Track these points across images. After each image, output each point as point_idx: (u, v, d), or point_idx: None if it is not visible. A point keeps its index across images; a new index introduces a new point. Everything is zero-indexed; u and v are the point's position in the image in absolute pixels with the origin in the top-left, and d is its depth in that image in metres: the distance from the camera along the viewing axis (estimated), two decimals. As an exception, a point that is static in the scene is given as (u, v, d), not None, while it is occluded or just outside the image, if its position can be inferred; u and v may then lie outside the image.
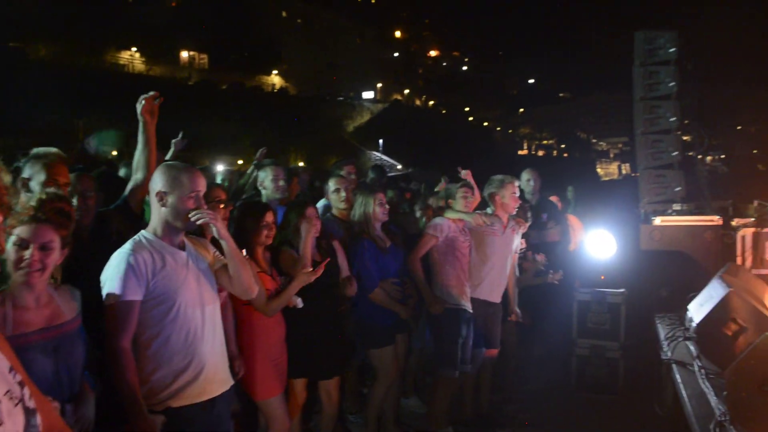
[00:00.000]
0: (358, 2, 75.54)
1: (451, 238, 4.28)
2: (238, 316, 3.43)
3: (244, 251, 3.09)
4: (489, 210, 4.57)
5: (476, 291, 4.42)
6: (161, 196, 2.55)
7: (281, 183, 4.44)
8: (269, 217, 3.53)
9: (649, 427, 4.59)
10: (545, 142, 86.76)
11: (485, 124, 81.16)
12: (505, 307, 4.75)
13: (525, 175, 5.95)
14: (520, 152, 76.41)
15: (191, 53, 54.75)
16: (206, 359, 2.59)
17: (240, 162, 31.38)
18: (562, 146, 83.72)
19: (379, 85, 70.28)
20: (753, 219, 5.75)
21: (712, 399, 3.35)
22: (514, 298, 4.73)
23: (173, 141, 5.23)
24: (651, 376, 4.72)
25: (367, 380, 5.05)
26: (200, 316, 2.59)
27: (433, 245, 4.30)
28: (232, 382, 2.78)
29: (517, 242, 4.71)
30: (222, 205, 3.37)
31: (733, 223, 5.80)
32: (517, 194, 4.59)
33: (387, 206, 4.27)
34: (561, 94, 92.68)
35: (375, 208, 4.15)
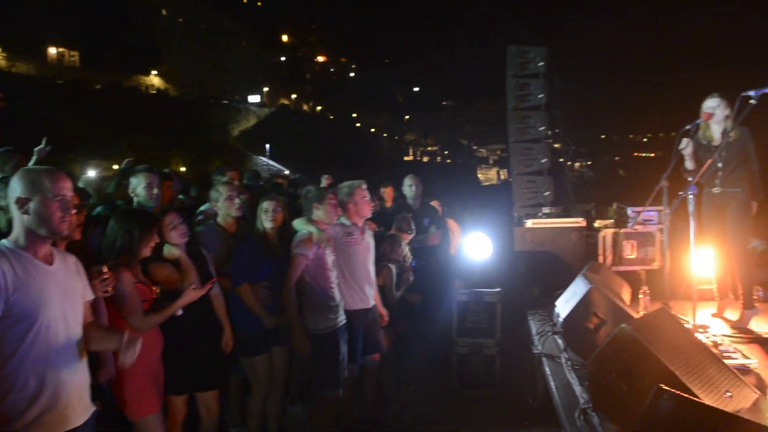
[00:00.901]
0: (244, 4, 73.99)
1: (319, 255, 4.10)
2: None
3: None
4: (344, 219, 4.40)
5: (350, 302, 4.35)
6: (22, 203, 2.33)
7: (155, 191, 4.24)
8: (157, 229, 3.44)
9: (524, 419, 4.86)
10: (430, 148, 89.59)
11: (372, 130, 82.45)
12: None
13: (407, 181, 6.10)
14: (406, 158, 78.39)
15: (60, 50, 50.94)
16: (68, 385, 2.38)
17: (115, 167, 29.59)
18: (446, 152, 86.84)
19: (266, 89, 69.26)
20: (612, 220, 6.28)
21: (577, 388, 3.61)
22: (379, 301, 4.69)
23: (36, 149, 4.70)
24: (525, 369, 4.99)
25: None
26: (64, 337, 2.38)
27: (306, 265, 4.09)
28: (94, 409, 2.57)
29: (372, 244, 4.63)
30: (75, 211, 3.11)
31: (596, 224, 6.30)
32: (368, 198, 4.43)
33: (279, 212, 4.20)
34: (444, 103, 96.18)
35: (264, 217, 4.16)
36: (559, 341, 4.34)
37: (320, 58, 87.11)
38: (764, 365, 3.92)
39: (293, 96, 75.88)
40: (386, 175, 7.84)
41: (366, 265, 4.46)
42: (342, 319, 4.21)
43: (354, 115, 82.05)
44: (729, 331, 4.71)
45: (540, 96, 6.84)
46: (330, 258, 4.19)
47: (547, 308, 5.00)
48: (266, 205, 4.18)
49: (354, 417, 4.85)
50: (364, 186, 4.44)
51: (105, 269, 2.86)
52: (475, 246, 5.75)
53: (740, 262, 4.84)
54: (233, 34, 65.16)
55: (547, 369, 4.06)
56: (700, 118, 4.67)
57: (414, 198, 6.03)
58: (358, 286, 4.38)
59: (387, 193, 6.96)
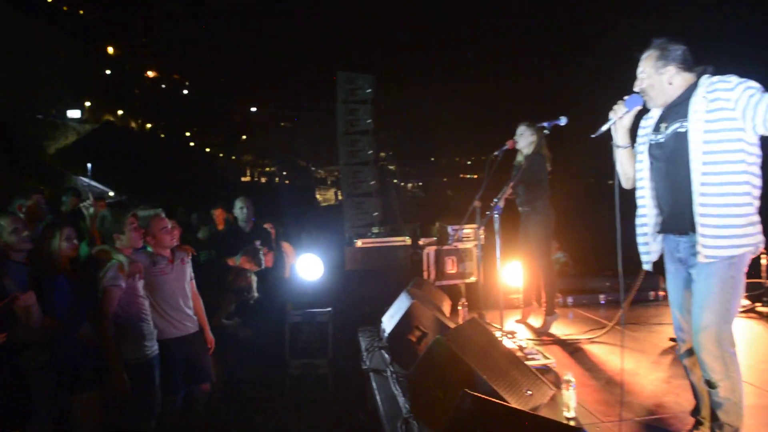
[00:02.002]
0: (64, 11, 67.92)
1: (131, 285, 3.84)
2: None
3: None
4: (149, 248, 4.19)
5: (164, 331, 4.15)
6: None
7: None
8: None
9: (356, 435, 4.97)
10: (268, 169, 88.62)
11: (207, 150, 79.63)
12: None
13: (238, 203, 6.00)
14: (243, 179, 76.66)
15: None
16: None
17: None
18: (284, 173, 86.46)
19: (88, 103, 63.94)
20: (435, 238, 6.71)
21: (401, 399, 3.80)
22: (207, 327, 4.55)
23: None
24: (356, 386, 5.12)
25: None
26: None
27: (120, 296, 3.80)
28: None
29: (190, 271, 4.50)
30: None
31: (420, 242, 6.69)
32: (167, 227, 4.20)
33: (75, 242, 3.85)
34: (283, 123, 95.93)
35: (61, 243, 3.74)
36: (386, 355, 4.53)
37: (150, 73, 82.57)
38: (562, 364, 4.44)
39: (120, 112, 70.89)
40: (222, 196, 7.63)
41: (177, 293, 4.23)
42: (155, 348, 3.99)
43: (187, 134, 78.68)
44: (533, 335, 5.26)
45: (368, 121, 7.15)
46: (141, 285, 3.95)
47: (376, 325, 5.19)
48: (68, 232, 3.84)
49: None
50: (163, 215, 4.21)
51: None
52: (306, 267, 5.82)
53: (543, 272, 5.43)
54: (50, 42, 59.38)
55: (374, 383, 4.22)
56: (506, 145, 5.19)
57: (245, 220, 5.95)
58: (170, 314, 4.16)
59: (217, 215, 6.80)
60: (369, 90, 7.25)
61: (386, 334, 4.40)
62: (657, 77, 2.82)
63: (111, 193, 37.88)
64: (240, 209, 5.97)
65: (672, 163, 2.78)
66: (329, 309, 5.61)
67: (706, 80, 2.70)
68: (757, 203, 2.64)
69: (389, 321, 4.50)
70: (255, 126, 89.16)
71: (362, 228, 6.84)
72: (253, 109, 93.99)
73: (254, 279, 5.31)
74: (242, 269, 5.27)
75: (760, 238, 2.65)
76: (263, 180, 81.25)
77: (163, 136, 72.49)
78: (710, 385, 2.70)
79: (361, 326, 5.60)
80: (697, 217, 2.66)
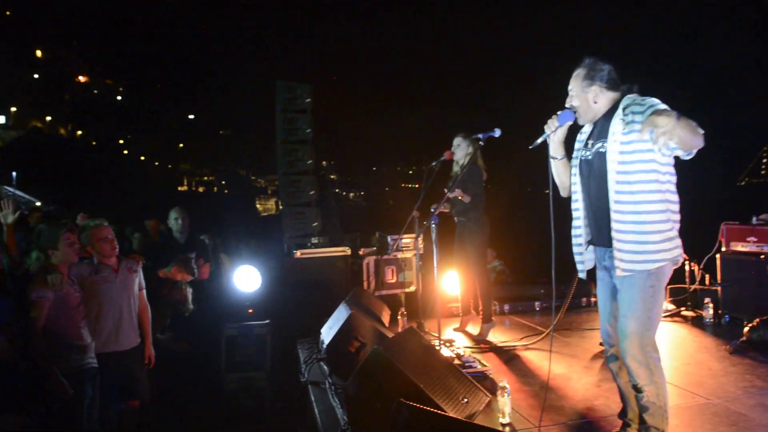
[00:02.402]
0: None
1: (60, 295, 3.73)
2: None
3: None
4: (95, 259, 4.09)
5: (105, 345, 4.01)
6: None
7: None
8: None
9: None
10: (206, 178, 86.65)
11: (142, 158, 77.17)
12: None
13: (173, 214, 5.83)
14: (180, 188, 74.62)
15: None
16: None
17: None
18: (223, 182, 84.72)
19: (14, 109, 60.91)
20: (375, 248, 6.72)
21: (339, 411, 3.78)
22: (149, 342, 4.42)
23: None
24: (294, 399, 5.05)
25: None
26: None
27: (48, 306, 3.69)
28: None
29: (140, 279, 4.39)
30: None
31: (360, 252, 6.69)
32: (108, 237, 4.10)
33: None
34: (222, 132, 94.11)
35: None
36: (325, 367, 4.50)
37: (82, 78, 79.39)
38: (498, 371, 4.52)
39: (48, 118, 67.85)
40: (158, 206, 7.39)
41: (121, 303, 4.14)
42: (89, 361, 3.84)
43: (121, 141, 76.02)
44: (470, 343, 5.34)
45: (308, 131, 7.11)
46: (75, 296, 3.83)
47: (315, 336, 5.14)
48: None
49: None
50: (104, 224, 4.11)
51: None
52: (244, 278, 5.70)
53: (479, 281, 5.53)
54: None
55: (312, 396, 4.18)
56: (443, 156, 5.27)
57: (180, 231, 5.78)
58: (110, 327, 4.04)
59: (151, 225, 6.60)
60: (308, 99, 7.21)
61: (325, 346, 4.37)
62: (583, 95, 2.95)
63: (37, 204, 36.12)
64: (175, 220, 5.81)
65: (595, 180, 2.91)
66: (267, 321, 5.51)
67: (626, 101, 2.83)
68: (675, 218, 2.78)
69: (328, 332, 4.47)
70: (193, 134, 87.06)
71: (301, 238, 6.77)
72: (191, 116, 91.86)
73: (190, 291, 5.18)
74: (176, 281, 5.13)
75: (678, 252, 2.78)
76: (201, 189, 79.40)
77: (94, 143, 69.77)
78: (636, 389, 2.81)
79: (301, 338, 5.54)
80: (613, 233, 2.79)
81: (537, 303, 6.78)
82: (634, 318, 2.76)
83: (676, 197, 2.78)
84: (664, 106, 2.63)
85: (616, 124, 2.78)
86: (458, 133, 5.47)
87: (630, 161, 2.72)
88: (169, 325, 5.16)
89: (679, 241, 2.77)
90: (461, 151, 5.42)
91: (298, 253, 6.30)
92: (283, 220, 6.84)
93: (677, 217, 2.78)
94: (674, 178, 2.78)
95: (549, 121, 3.01)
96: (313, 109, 7.13)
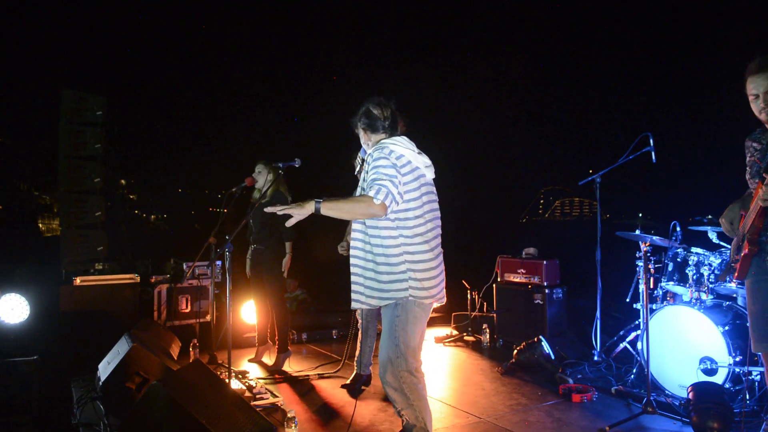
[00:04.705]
0: None
1: None
2: None
3: None
4: None
5: None
6: None
7: None
8: None
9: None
10: (-24, 191, 75.33)
11: None
12: None
13: None
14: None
15: None
16: None
17: None
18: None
19: None
20: (168, 275, 6.35)
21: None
22: None
23: None
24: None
25: None
26: None
27: None
28: None
29: None
30: None
31: (152, 279, 6.27)
32: None
33: None
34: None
35: None
36: (101, 407, 4.09)
37: None
38: (290, 401, 4.50)
39: None
40: None
41: None
42: None
43: None
44: (264, 373, 5.25)
45: (97, 146, 6.53)
46: None
47: (93, 373, 4.67)
48: None
49: None
50: None
51: None
52: (7, 309, 5.01)
53: (275, 310, 5.47)
54: None
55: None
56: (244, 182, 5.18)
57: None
58: None
59: None
60: (100, 112, 6.63)
61: (101, 383, 3.99)
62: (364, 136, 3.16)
63: None
64: None
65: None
66: (35, 357, 4.87)
67: (376, 147, 2.96)
68: (412, 258, 2.89)
69: (106, 368, 4.09)
70: (-40, 140, 75.29)
71: (84, 264, 6.14)
72: (-41, 119, 79.47)
73: None
74: None
75: (409, 292, 2.88)
76: (-32, 204, 68.69)
77: None
78: (398, 414, 2.99)
79: (76, 375, 4.99)
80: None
81: (334, 331, 6.90)
82: (385, 347, 2.95)
83: (412, 240, 2.90)
84: (379, 161, 2.83)
85: (366, 170, 2.95)
86: (259, 160, 5.44)
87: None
88: None
89: (411, 283, 2.88)
90: (262, 177, 5.40)
91: (77, 280, 5.70)
92: (62, 242, 6.15)
93: (414, 258, 2.90)
94: (412, 222, 2.90)
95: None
96: (106, 123, 6.58)
